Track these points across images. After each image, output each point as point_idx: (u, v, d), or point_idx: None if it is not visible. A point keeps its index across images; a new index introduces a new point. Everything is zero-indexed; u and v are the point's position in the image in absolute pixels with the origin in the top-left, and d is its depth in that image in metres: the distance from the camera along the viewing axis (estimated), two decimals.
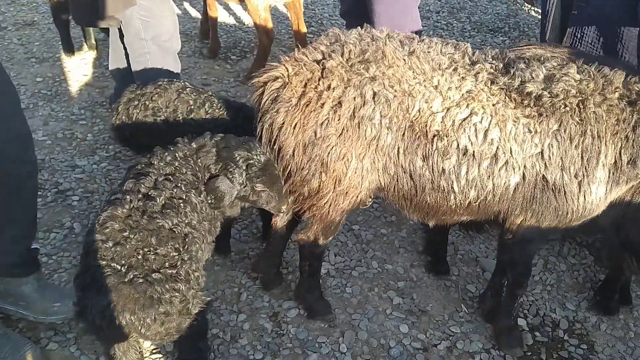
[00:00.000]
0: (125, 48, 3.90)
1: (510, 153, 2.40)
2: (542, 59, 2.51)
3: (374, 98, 2.38)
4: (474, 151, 2.41)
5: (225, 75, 5.44)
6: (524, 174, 2.44)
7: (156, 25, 3.73)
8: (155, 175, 2.38)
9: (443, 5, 7.30)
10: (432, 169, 2.46)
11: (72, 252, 3.39)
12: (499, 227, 2.80)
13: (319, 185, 2.55)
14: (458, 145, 2.41)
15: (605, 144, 2.37)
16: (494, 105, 2.40)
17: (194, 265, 2.30)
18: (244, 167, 2.51)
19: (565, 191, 2.45)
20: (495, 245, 3.63)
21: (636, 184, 2.55)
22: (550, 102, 2.36)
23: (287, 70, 2.47)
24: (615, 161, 2.41)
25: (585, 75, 2.42)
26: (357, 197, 2.61)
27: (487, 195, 2.50)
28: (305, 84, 2.42)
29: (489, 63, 2.50)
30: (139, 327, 2.16)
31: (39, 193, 3.77)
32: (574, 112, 2.36)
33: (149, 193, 2.30)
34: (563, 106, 2.36)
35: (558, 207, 2.50)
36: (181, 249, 2.25)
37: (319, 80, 2.41)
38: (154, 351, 2.84)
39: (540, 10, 5.69)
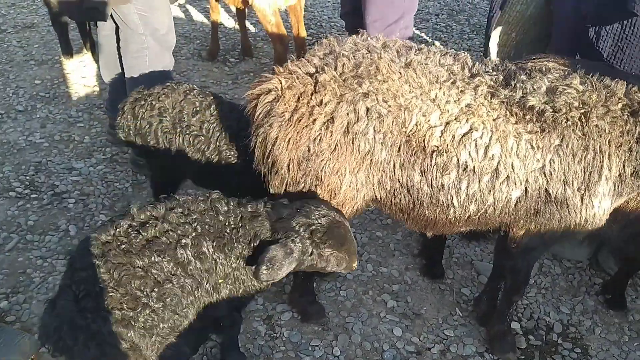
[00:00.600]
0: (118, 49, 3.91)
1: (512, 168, 2.35)
2: (544, 69, 2.46)
3: (367, 114, 2.33)
4: (474, 167, 2.35)
5: (224, 78, 5.46)
6: (525, 188, 2.38)
7: (154, 19, 3.72)
8: (177, 212, 2.25)
9: (442, 7, 7.30)
10: (431, 184, 2.41)
11: (67, 255, 3.39)
12: (498, 232, 2.77)
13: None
14: (458, 161, 2.35)
15: (609, 157, 2.32)
16: (494, 120, 2.33)
17: (165, 315, 2.17)
18: (307, 235, 2.31)
19: (568, 204, 2.39)
20: (490, 248, 3.63)
21: None
22: (553, 116, 2.30)
23: (281, 83, 2.41)
24: (620, 174, 2.36)
25: (587, 86, 2.36)
26: (354, 208, 2.58)
27: (487, 209, 2.44)
28: (298, 98, 2.37)
29: (489, 75, 2.43)
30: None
31: (35, 196, 3.80)
32: (577, 127, 2.30)
33: (147, 224, 2.19)
34: (565, 120, 2.30)
35: (561, 219, 2.45)
36: (148, 293, 2.11)
37: (312, 94, 2.36)
38: None
39: None
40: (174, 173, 3.25)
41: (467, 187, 2.38)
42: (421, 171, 2.38)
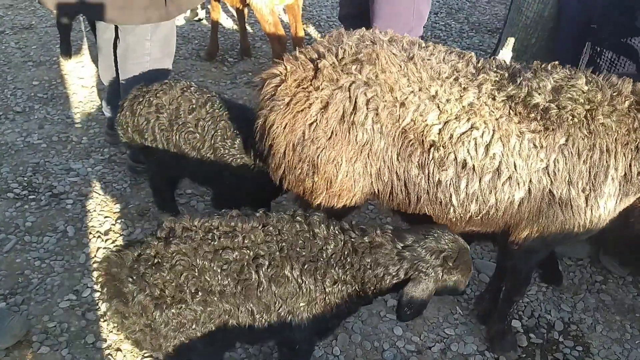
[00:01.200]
0: (114, 53, 3.89)
1: (515, 168, 2.30)
2: (550, 68, 2.42)
3: (365, 104, 2.32)
4: (474, 165, 2.31)
5: (222, 78, 5.44)
6: (529, 188, 2.34)
7: (164, 26, 3.72)
8: (266, 230, 2.22)
9: (441, 6, 7.28)
10: (428, 179, 2.38)
11: (65, 255, 3.38)
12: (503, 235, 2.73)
13: (312, 186, 2.52)
14: (456, 157, 2.32)
15: (615, 156, 2.27)
16: (497, 119, 2.29)
17: (200, 320, 2.13)
18: (440, 262, 2.22)
19: (572, 205, 2.34)
20: (490, 246, 3.61)
21: None
22: (558, 114, 2.26)
23: (286, 69, 2.43)
24: (626, 173, 2.32)
25: (593, 85, 2.33)
26: (352, 199, 2.56)
27: (489, 210, 2.40)
28: (299, 83, 2.39)
29: (494, 72, 2.39)
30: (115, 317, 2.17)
31: (33, 197, 3.78)
32: (582, 125, 2.26)
33: (230, 233, 2.17)
34: (571, 118, 2.26)
35: (565, 221, 2.40)
36: (191, 292, 2.10)
37: (311, 80, 2.38)
38: None
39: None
40: (171, 171, 3.25)
41: (466, 185, 2.34)
42: (419, 164, 2.36)
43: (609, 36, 3.28)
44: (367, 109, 2.31)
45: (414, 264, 2.22)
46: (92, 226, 3.62)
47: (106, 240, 3.52)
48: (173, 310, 2.09)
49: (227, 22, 6.52)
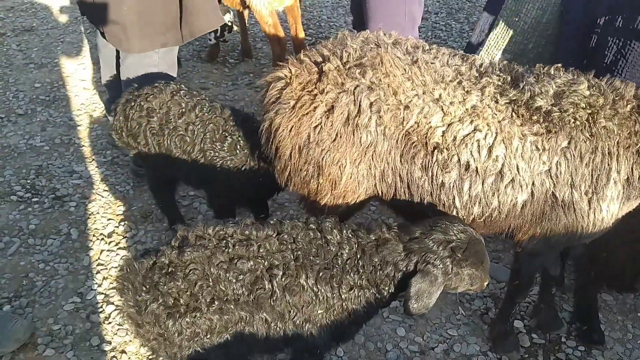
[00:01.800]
0: (117, 58, 3.90)
1: (517, 170, 2.30)
2: (553, 72, 2.43)
3: (369, 107, 2.34)
4: (477, 167, 2.32)
5: (224, 79, 5.45)
6: (532, 191, 2.34)
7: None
8: (280, 238, 2.20)
9: (441, 6, 7.29)
10: (432, 181, 2.39)
11: (69, 258, 3.39)
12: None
13: (317, 188, 2.54)
14: (459, 160, 2.32)
15: (617, 159, 2.27)
16: (499, 122, 2.30)
17: (216, 330, 2.13)
18: (448, 254, 2.16)
19: (575, 208, 2.34)
20: (492, 247, 3.63)
21: None
22: (560, 117, 2.27)
23: (291, 72, 2.46)
24: (628, 177, 2.31)
25: (595, 90, 2.33)
26: (356, 201, 2.58)
27: (492, 212, 2.41)
28: (304, 86, 2.41)
29: (497, 75, 2.40)
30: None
31: (37, 199, 3.80)
32: (584, 128, 2.26)
33: (245, 241, 2.17)
34: (573, 121, 2.26)
35: (568, 224, 2.39)
36: (206, 301, 2.09)
37: (316, 83, 2.40)
38: None
39: None
40: (166, 174, 3.27)
41: (469, 187, 2.35)
42: (422, 166, 2.38)
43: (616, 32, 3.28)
44: (371, 111, 2.33)
45: (422, 256, 2.16)
46: (96, 229, 3.63)
47: (110, 242, 3.54)
48: (187, 319, 2.08)
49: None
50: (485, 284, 2.28)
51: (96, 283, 3.25)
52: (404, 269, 2.19)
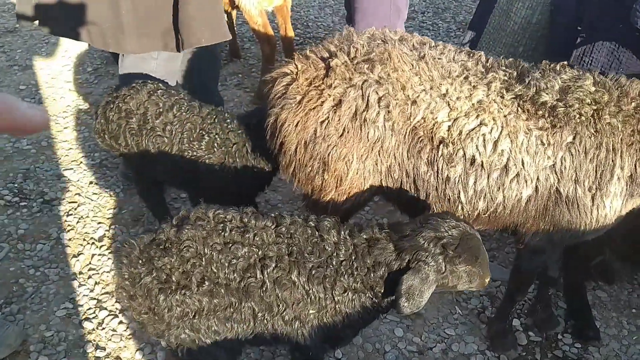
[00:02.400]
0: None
1: (522, 165, 2.31)
2: (558, 69, 2.43)
3: (377, 102, 2.34)
4: (482, 161, 2.32)
5: None
6: (536, 186, 2.34)
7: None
8: (278, 231, 2.19)
9: (428, 5, 7.31)
10: (437, 176, 2.38)
11: (59, 263, 3.33)
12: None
13: (322, 184, 2.52)
14: (465, 154, 2.33)
15: (621, 156, 2.28)
16: (505, 116, 2.31)
17: (204, 312, 2.11)
18: (439, 251, 2.10)
19: (578, 204, 2.34)
20: (487, 245, 3.63)
21: None
22: (565, 112, 2.28)
23: (297, 68, 2.45)
24: (631, 174, 2.32)
25: (600, 86, 2.34)
26: (361, 197, 2.56)
27: (497, 207, 2.40)
28: (311, 82, 2.40)
29: (503, 71, 2.41)
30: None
31: (25, 203, 3.72)
32: (590, 123, 2.27)
33: (244, 228, 2.15)
34: (578, 116, 2.27)
35: (571, 220, 2.39)
36: (196, 281, 2.08)
37: (323, 78, 2.39)
38: None
39: None
40: (149, 176, 3.23)
41: (474, 182, 2.35)
42: (428, 161, 2.37)
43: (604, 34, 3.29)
44: (379, 106, 2.33)
45: (413, 254, 2.09)
46: (86, 232, 3.57)
47: (101, 246, 3.48)
48: (177, 297, 2.07)
49: None
50: (487, 280, 2.22)
51: (88, 288, 3.19)
52: (396, 269, 2.13)
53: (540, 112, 2.28)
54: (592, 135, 2.26)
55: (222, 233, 2.13)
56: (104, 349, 2.87)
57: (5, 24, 6.14)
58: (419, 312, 3.19)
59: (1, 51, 5.62)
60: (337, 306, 2.19)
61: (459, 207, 2.43)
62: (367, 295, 2.20)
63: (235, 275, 2.10)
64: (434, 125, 2.32)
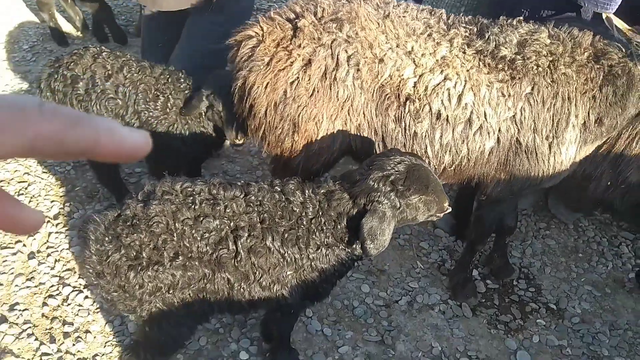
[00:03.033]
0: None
1: (485, 117, 2.40)
2: (515, 23, 2.52)
3: (347, 60, 2.37)
4: (447, 115, 2.40)
5: None
6: (498, 137, 2.45)
7: None
8: (247, 199, 2.16)
9: None
10: (405, 132, 2.45)
11: (16, 244, 3.22)
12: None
13: (292, 145, 2.55)
14: (431, 109, 2.40)
15: (576, 104, 2.40)
16: (468, 71, 2.38)
17: (178, 286, 2.08)
18: (389, 188, 2.13)
19: (537, 153, 2.46)
20: None
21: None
22: (523, 64, 2.37)
23: (262, 30, 2.43)
24: (585, 121, 2.45)
25: (555, 39, 2.43)
26: (330, 158, 2.61)
27: (462, 160, 2.50)
28: (278, 43, 2.40)
29: (464, 27, 2.47)
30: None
31: None
32: (546, 74, 2.37)
33: (214, 201, 2.12)
34: (535, 67, 2.37)
35: (530, 169, 2.52)
36: (169, 256, 2.05)
37: (291, 39, 2.40)
38: None
39: None
40: None
41: (440, 136, 2.43)
42: (395, 118, 2.43)
43: None
44: (349, 65, 2.36)
45: (367, 197, 2.14)
46: (40, 211, 3.45)
47: (57, 224, 3.39)
48: (149, 273, 2.03)
49: None
50: (446, 205, 2.25)
51: (49, 266, 3.11)
52: (356, 215, 2.16)
53: (500, 65, 2.39)
54: (548, 85, 2.38)
55: (192, 206, 2.10)
56: (72, 324, 2.82)
57: None
58: (382, 268, 3.31)
59: None
60: (312, 263, 2.23)
61: (426, 162, 2.50)
62: (340, 247, 2.25)
63: (207, 248, 2.08)
64: (400, 82, 2.38)
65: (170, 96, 2.94)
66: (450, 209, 2.28)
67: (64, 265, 3.13)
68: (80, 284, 3.02)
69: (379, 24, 2.42)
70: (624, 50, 2.43)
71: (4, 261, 3.11)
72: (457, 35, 2.43)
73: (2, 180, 3.65)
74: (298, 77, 2.37)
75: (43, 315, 2.86)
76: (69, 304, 2.92)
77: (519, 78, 2.37)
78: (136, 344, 2.36)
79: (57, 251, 3.22)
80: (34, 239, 3.27)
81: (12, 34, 5.30)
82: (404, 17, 2.46)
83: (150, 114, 2.92)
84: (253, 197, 2.19)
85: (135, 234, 2.02)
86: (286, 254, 2.17)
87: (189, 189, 2.14)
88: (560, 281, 3.39)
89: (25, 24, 5.50)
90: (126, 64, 2.95)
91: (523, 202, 3.82)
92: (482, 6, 4.06)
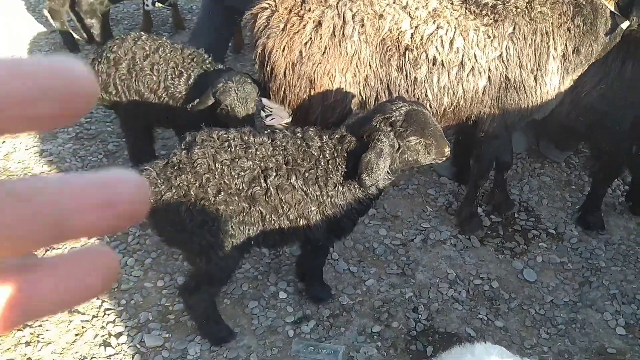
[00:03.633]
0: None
1: (475, 59, 2.73)
2: None
3: (352, 18, 2.70)
4: (442, 60, 2.73)
5: None
6: (489, 76, 2.78)
7: None
8: (275, 144, 2.46)
9: None
10: (406, 79, 2.78)
11: None
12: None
13: (310, 101, 2.89)
14: (427, 56, 2.73)
15: (554, 38, 2.72)
16: (456, 18, 2.71)
17: (220, 219, 2.39)
18: (389, 128, 2.36)
19: (524, 86, 2.79)
20: None
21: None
22: (503, 8, 2.70)
23: (274, 0, 2.77)
24: (564, 53, 2.78)
25: None
26: (345, 110, 2.95)
27: (459, 101, 2.84)
28: (290, 10, 2.74)
29: None
30: None
31: None
32: (524, 14, 2.71)
33: (246, 146, 2.43)
34: (514, 9, 2.70)
35: (520, 102, 2.85)
36: (213, 193, 2.36)
37: (301, 4, 2.74)
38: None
39: None
40: (138, 119, 3.52)
41: (438, 80, 2.78)
42: (397, 67, 2.78)
43: None
44: (354, 21, 2.72)
45: (369, 137, 2.38)
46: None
47: None
48: (197, 207, 2.36)
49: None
50: (446, 150, 2.45)
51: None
52: (361, 154, 2.40)
53: (484, 11, 2.75)
54: (527, 23, 2.74)
55: (229, 149, 2.44)
56: (128, 283, 3.17)
57: None
58: (396, 214, 3.66)
59: None
60: (332, 200, 2.55)
61: (428, 105, 2.86)
62: (354, 185, 2.55)
63: (243, 185, 2.42)
64: (399, 34, 2.74)
65: (192, 73, 3.28)
66: (449, 154, 2.50)
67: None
68: (126, 249, 3.37)
69: None
70: None
71: None
72: None
73: (41, 174, 4.00)
74: (311, 38, 2.72)
75: None
76: (122, 268, 3.27)
77: (501, 20, 2.73)
78: (189, 278, 2.72)
79: None
80: None
81: (25, 46, 5.64)
82: None
83: (176, 89, 3.27)
84: (278, 142, 2.51)
85: (182, 175, 2.36)
86: (308, 191, 2.49)
87: (224, 136, 2.47)
88: (557, 210, 3.75)
89: (36, 36, 5.84)
90: (161, 46, 3.32)
91: (518, 145, 4.16)
92: None
